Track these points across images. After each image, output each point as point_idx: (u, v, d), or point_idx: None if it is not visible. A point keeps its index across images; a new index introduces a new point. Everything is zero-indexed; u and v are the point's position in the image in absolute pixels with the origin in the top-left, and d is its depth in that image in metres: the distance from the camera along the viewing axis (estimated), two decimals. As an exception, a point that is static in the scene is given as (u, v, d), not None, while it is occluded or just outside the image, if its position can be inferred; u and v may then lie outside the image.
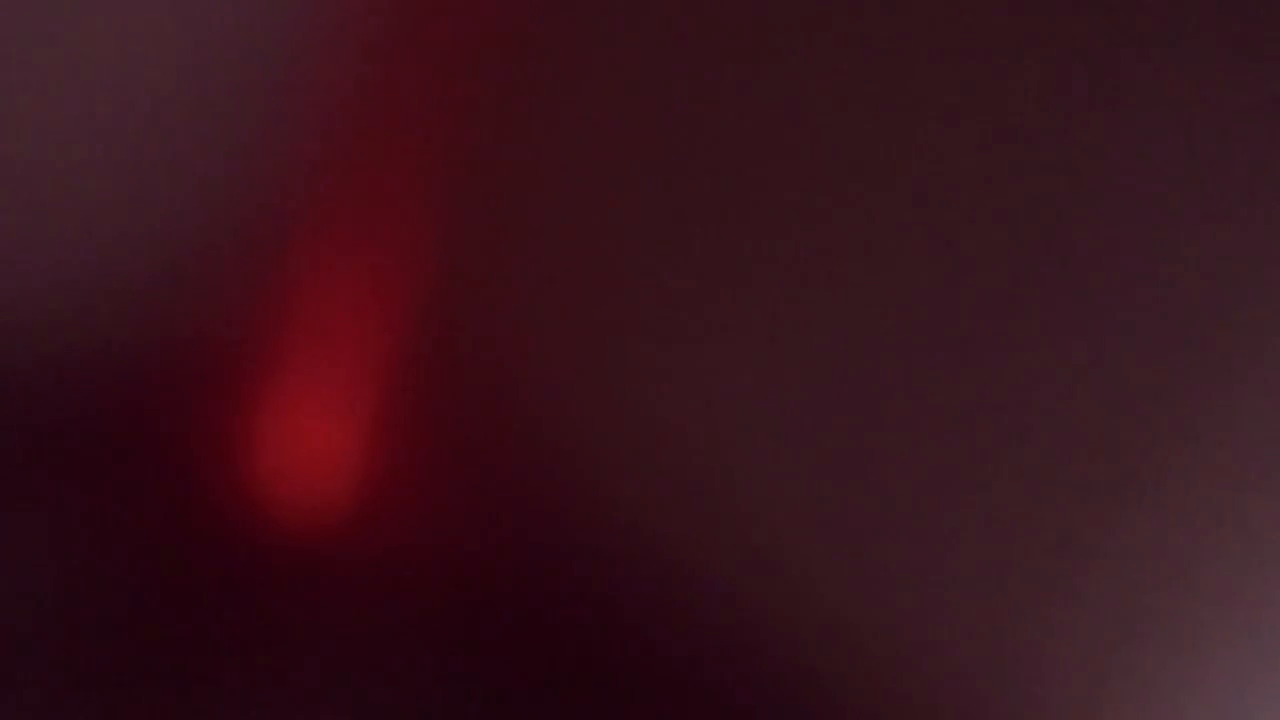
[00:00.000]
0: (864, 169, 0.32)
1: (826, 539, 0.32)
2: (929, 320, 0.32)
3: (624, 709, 0.31)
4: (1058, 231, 0.32)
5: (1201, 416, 0.32)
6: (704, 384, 0.32)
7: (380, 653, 0.32)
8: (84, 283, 0.32)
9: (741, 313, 0.32)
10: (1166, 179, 0.32)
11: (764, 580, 0.32)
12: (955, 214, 0.32)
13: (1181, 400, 0.32)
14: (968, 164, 0.32)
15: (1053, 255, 0.32)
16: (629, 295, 0.32)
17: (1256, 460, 0.32)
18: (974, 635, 0.32)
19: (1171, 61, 0.32)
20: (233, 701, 0.32)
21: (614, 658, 0.31)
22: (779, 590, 0.32)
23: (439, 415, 0.32)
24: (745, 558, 0.32)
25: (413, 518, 0.32)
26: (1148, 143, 0.32)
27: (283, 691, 0.32)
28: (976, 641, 0.32)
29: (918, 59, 0.32)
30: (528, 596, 0.31)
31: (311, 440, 0.32)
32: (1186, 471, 0.32)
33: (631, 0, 0.32)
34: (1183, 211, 0.32)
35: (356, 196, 0.32)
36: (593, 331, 0.32)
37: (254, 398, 0.32)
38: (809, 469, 0.32)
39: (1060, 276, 0.32)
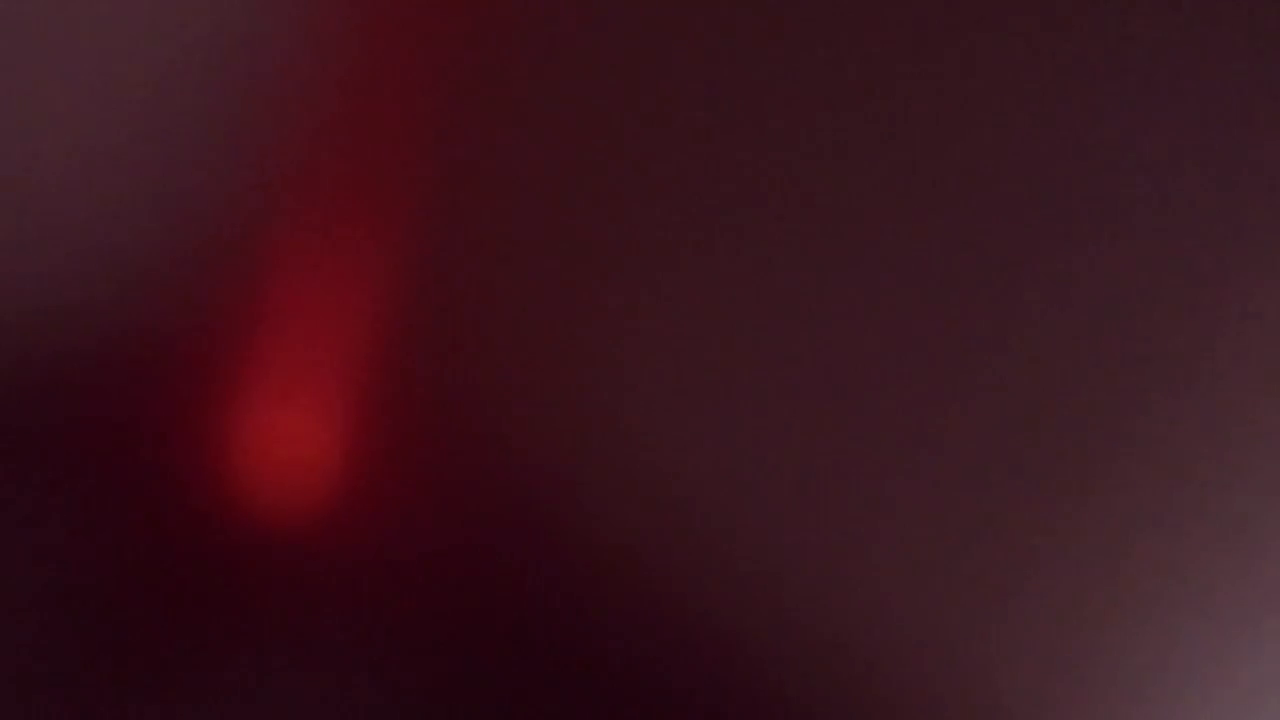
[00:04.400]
0: (845, 173, 0.32)
1: (801, 543, 0.32)
2: (902, 328, 0.32)
3: (605, 707, 0.31)
4: (1030, 231, 0.32)
5: (1166, 414, 0.32)
6: (682, 387, 0.32)
7: (364, 648, 0.32)
8: (68, 281, 0.32)
9: (721, 316, 0.32)
10: (1147, 180, 0.32)
11: (738, 580, 0.32)
12: (926, 215, 0.32)
13: (1146, 398, 0.32)
14: (944, 169, 0.32)
15: (1021, 259, 0.32)
16: (609, 297, 0.32)
17: (1222, 457, 0.32)
18: (944, 634, 0.32)
19: (1153, 62, 0.32)
20: (220, 697, 0.31)
21: (593, 652, 0.31)
22: (753, 592, 0.32)
23: (421, 416, 0.32)
24: (719, 551, 0.32)
25: (394, 515, 0.32)
26: (1127, 136, 0.32)
27: (270, 686, 0.32)
28: (945, 640, 0.32)
29: (904, 63, 0.32)
30: (506, 595, 0.31)
31: (296, 438, 0.32)
32: (1152, 468, 0.32)
33: (618, 1, 0.32)
34: (1147, 213, 0.32)
35: (339, 197, 0.32)
36: (573, 332, 0.32)
37: (238, 396, 0.32)
38: (785, 475, 0.32)
39: (1032, 281, 0.32)
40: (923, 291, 0.32)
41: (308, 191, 0.32)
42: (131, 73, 0.32)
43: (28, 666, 0.31)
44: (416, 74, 0.32)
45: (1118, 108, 0.32)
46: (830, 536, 0.32)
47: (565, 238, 0.32)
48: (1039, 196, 0.32)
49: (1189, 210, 0.32)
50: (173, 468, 0.31)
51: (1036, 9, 0.32)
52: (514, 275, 0.32)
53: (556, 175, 0.32)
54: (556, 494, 0.32)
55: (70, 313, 0.32)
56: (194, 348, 0.32)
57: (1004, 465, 0.32)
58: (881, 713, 0.32)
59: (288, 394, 0.32)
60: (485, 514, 0.31)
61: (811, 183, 0.32)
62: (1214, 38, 0.32)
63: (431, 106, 0.32)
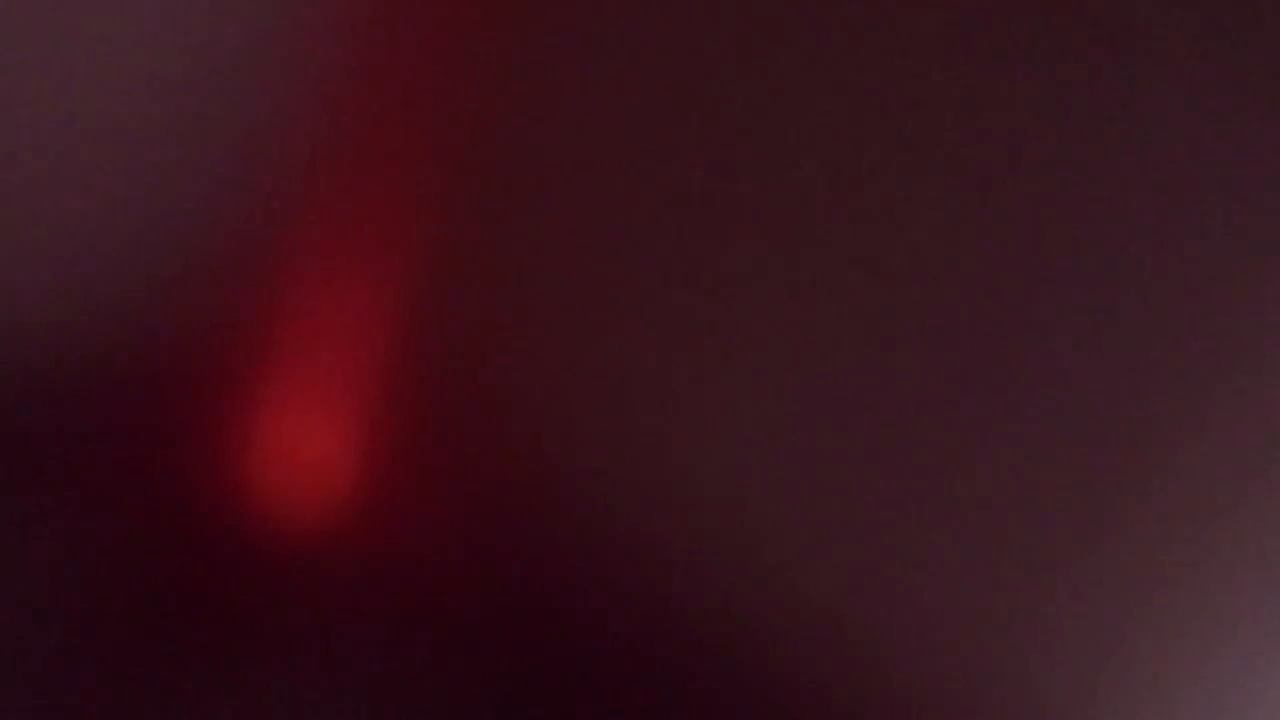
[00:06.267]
0: (854, 173, 0.32)
1: (820, 542, 0.32)
2: (917, 323, 0.32)
3: (617, 707, 0.31)
4: (1048, 235, 0.32)
5: (1194, 416, 0.32)
6: (694, 387, 0.32)
7: (375, 653, 0.32)
8: (79, 287, 0.32)
9: (731, 316, 0.32)
10: (1159, 179, 0.32)
11: (754, 579, 0.32)
12: (942, 217, 0.32)
13: (1173, 400, 0.32)
14: (958, 167, 0.32)
15: (1044, 258, 0.32)
16: (620, 298, 0.32)
17: (1250, 459, 0.32)
18: (963, 634, 0.32)
19: (1162, 63, 0.32)
20: (228, 703, 0.32)
21: (607, 657, 0.31)
22: (769, 590, 0.32)
23: (432, 420, 0.32)
24: (733, 552, 0.32)
25: (406, 521, 0.32)
26: (1138, 146, 0.32)
27: (279, 693, 0.32)
28: (966, 640, 0.32)
29: (911, 65, 0.32)
30: (520, 598, 0.32)
31: (306, 443, 0.32)
32: (1180, 470, 0.32)
33: (624, 4, 0.32)
34: (1172, 214, 0.32)
35: (350, 201, 0.32)
36: (584, 334, 0.32)
37: (249, 401, 0.32)
38: (800, 472, 0.32)
39: (1052, 279, 0.32)
40: (952, 294, 0.32)
41: (321, 196, 0.32)
42: (142, 77, 0.32)
43: (35, 670, 0.32)
44: (432, 79, 0.32)
45: (1136, 131, 0.32)
46: (851, 540, 0.32)
47: (580, 241, 0.32)
48: (1076, 211, 0.32)
49: (1210, 234, 0.32)
50: (185, 474, 0.32)
51: (1047, 19, 0.32)
52: (528, 280, 0.32)
53: (573, 179, 0.32)
54: (571, 499, 0.32)
55: (81, 319, 0.32)
56: (206, 352, 0.32)
57: (1036, 470, 0.32)
58: (907, 716, 0.31)
59: (301, 399, 0.32)
60: (501, 518, 0.32)
61: (827, 186, 0.32)
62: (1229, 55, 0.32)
63: (446, 112, 0.32)
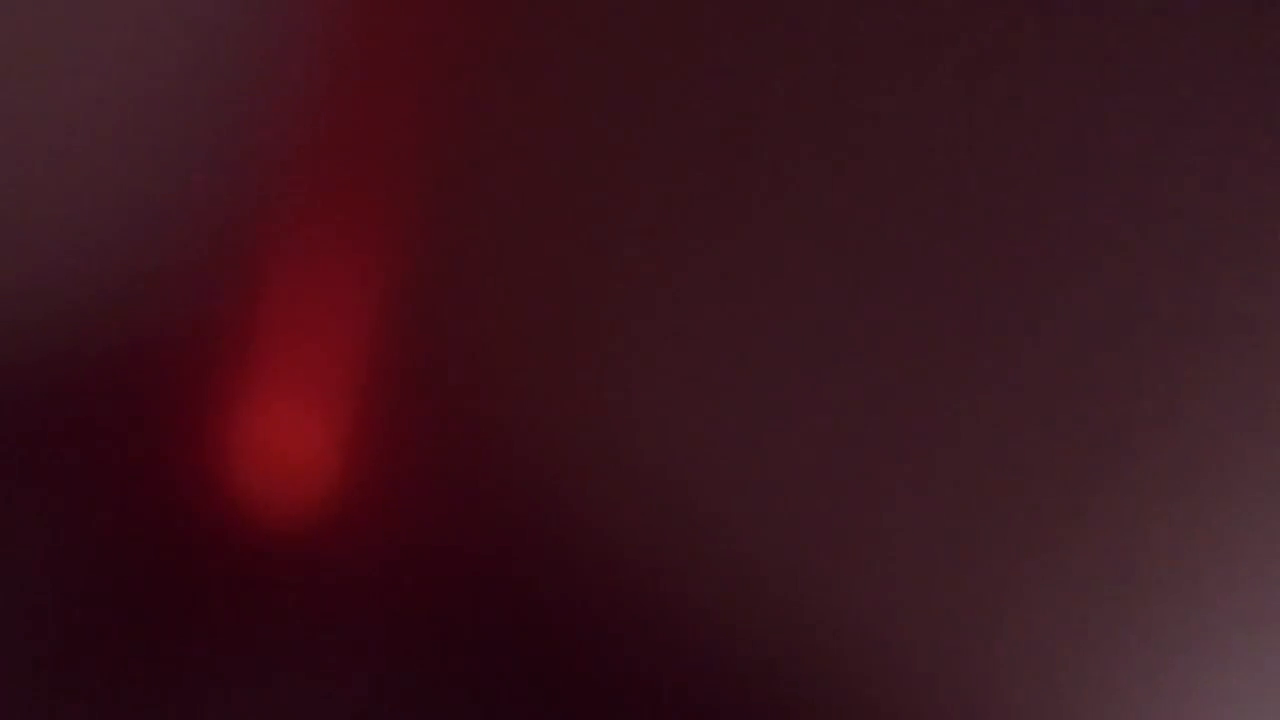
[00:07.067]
0: (838, 174, 0.32)
1: (796, 543, 0.32)
2: (895, 325, 0.32)
3: (607, 707, 0.32)
4: (1026, 237, 0.32)
5: (1170, 416, 0.32)
6: (687, 389, 0.32)
7: (361, 649, 0.32)
8: (67, 283, 0.32)
9: (726, 316, 0.32)
10: (1134, 181, 0.32)
11: (743, 582, 0.32)
12: (922, 221, 0.32)
13: (1150, 400, 0.32)
14: (938, 171, 0.32)
15: (1022, 258, 0.32)
16: (602, 298, 0.32)
17: (1223, 459, 0.32)
18: (940, 634, 0.32)
19: (1137, 68, 0.32)
20: (219, 698, 0.32)
21: (595, 654, 0.31)
22: (747, 589, 0.32)
23: (418, 419, 0.32)
24: (712, 553, 0.32)
25: (396, 517, 0.32)
26: (1114, 146, 0.32)
27: (266, 687, 0.32)
28: (942, 640, 0.32)
29: (897, 69, 0.32)
30: (508, 595, 0.32)
31: (295, 441, 0.32)
32: (1155, 468, 0.32)
33: (615, 5, 0.32)
34: (1146, 215, 0.32)
35: (336, 201, 0.32)
36: (567, 333, 0.32)
37: (235, 399, 0.32)
38: (791, 475, 0.32)
39: (1030, 280, 0.32)
40: (929, 295, 0.32)
41: (307, 192, 0.32)
42: (130, 77, 0.32)
43: (28, 668, 0.32)
44: (414, 73, 0.32)
45: (1122, 114, 0.32)
46: (836, 538, 0.32)
47: (568, 238, 0.32)
48: (1048, 200, 0.32)
49: (1192, 212, 0.32)
50: (174, 470, 0.32)
51: (1039, 15, 0.32)
52: (517, 276, 0.32)
53: (560, 176, 0.32)
54: (558, 495, 0.32)
55: (71, 316, 0.32)
56: (194, 350, 0.32)
57: (1010, 469, 0.32)
58: (887, 715, 0.31)
59: (289, 396, 0.32)
60: (487, 515, 0.32)
61: (818, 179, 0.32)
62: (1219, 49, 0.32)
63: (431, 106, 0.32)
